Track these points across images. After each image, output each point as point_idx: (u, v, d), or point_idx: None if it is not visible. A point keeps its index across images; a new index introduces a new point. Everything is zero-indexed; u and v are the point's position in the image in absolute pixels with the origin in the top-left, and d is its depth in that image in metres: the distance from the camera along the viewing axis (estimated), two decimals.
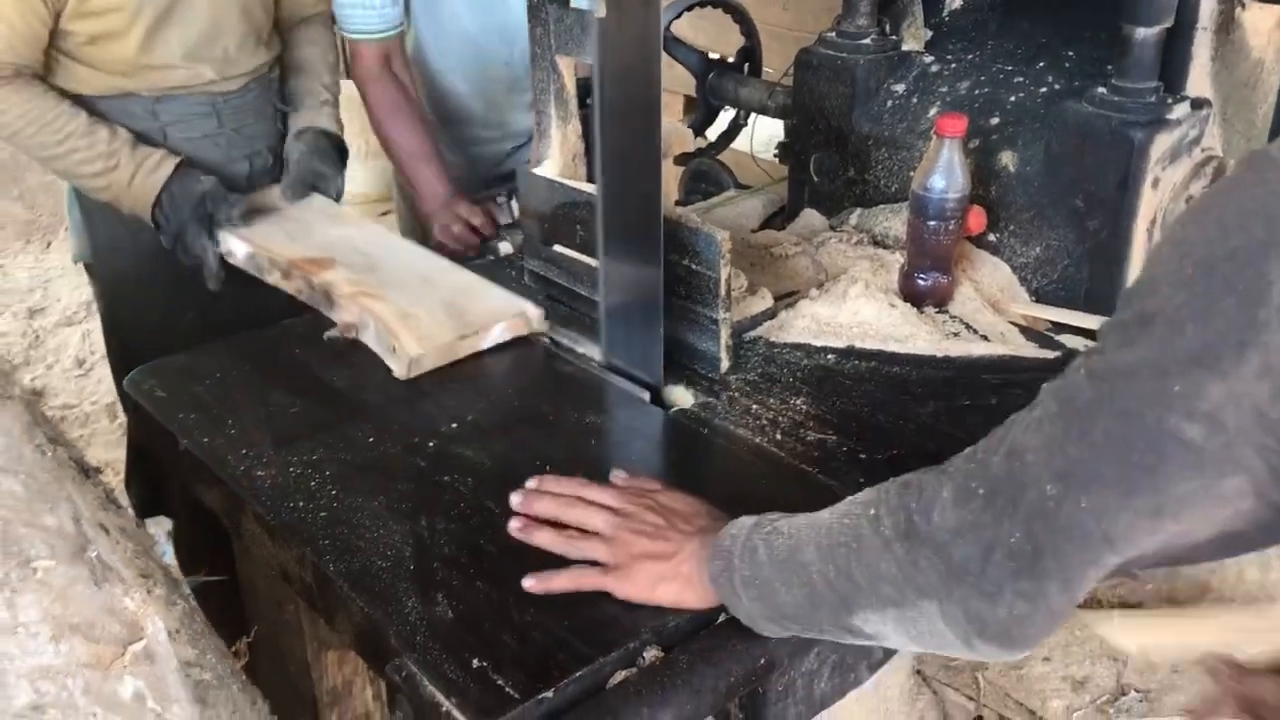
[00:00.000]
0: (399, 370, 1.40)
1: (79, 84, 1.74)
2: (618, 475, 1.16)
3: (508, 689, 0.92)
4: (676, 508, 1.09)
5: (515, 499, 1.12)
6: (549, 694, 0.92)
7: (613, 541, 1.05)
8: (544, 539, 1.08)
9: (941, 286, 1.53)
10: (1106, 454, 0.74)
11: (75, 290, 4.11)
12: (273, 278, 1.64)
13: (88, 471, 1.24)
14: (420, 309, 1.49)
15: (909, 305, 1.51)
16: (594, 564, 1.05)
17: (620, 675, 0.96)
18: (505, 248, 1.80)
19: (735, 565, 0.97)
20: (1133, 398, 0.73)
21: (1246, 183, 0.70)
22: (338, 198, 1.88)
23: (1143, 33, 1.43)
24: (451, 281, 1.59)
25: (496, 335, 1.48)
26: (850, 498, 0.94)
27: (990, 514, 0.80)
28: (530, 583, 1.03)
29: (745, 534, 0.98)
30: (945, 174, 1.46)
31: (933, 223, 1.48)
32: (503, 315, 1.49)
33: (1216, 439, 0.69)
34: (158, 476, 1.50)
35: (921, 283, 1.53)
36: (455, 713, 0.91)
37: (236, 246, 1.70)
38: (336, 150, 1.92)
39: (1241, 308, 0.67)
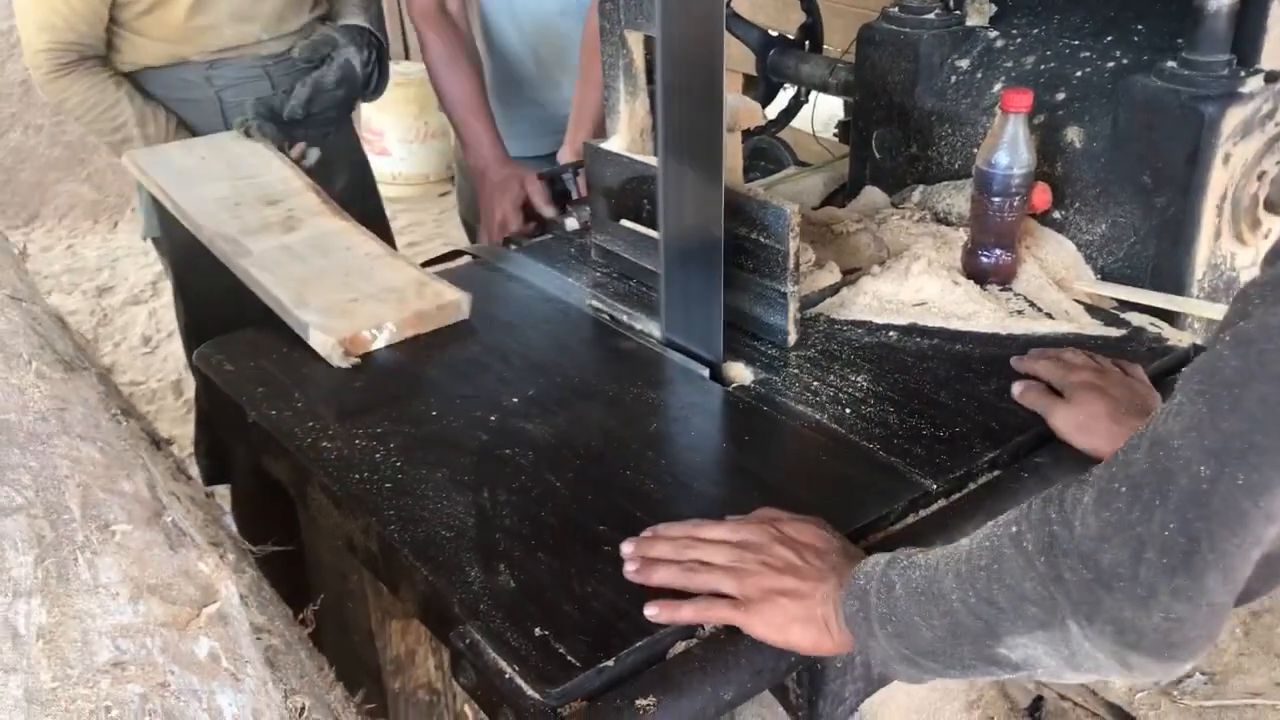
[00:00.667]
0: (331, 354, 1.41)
1: (138, 55, 1.78)
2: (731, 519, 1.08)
3: (569, 657, 0.93)
4: (804, 540, 1.02)
5: (627, 548, 1.05)
6: (609, 663, 0.93)
7: (739, 574, 0.99)
8: (664, 575, 1.01)
9: (1005, 264, 1.51)
10: (1264, 422, 0.70)
11: (142, 270, 4.20)
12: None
13: (159, 443, 1.27)
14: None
15: (972, 283, 1.49)
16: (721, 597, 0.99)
17: (681, 646, 0.97)
18: (571, 224, 1.81)
19: (872, 603, 0.91)
20: None
21: None
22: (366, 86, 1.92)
23: (1215, 3, 1.40)
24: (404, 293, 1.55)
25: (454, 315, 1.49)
26: (992, 521, 0.88)
27: (1138, 510, 0.75)
28: (653, 611, 0.98)
29: (881, 570, 0.92)
30: (1010, 150, 1.44)
31: (997, 199, 1.46)
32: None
33: None
34: (223, 447, 1.53)
35: (985, 260, 1.51)
36: (518, 680, 0.92)
37: None
38: (372, 42, 1.95)
39: None
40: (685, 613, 0.98)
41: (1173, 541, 0.73)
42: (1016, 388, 1.28)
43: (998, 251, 1.51)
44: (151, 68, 1.80)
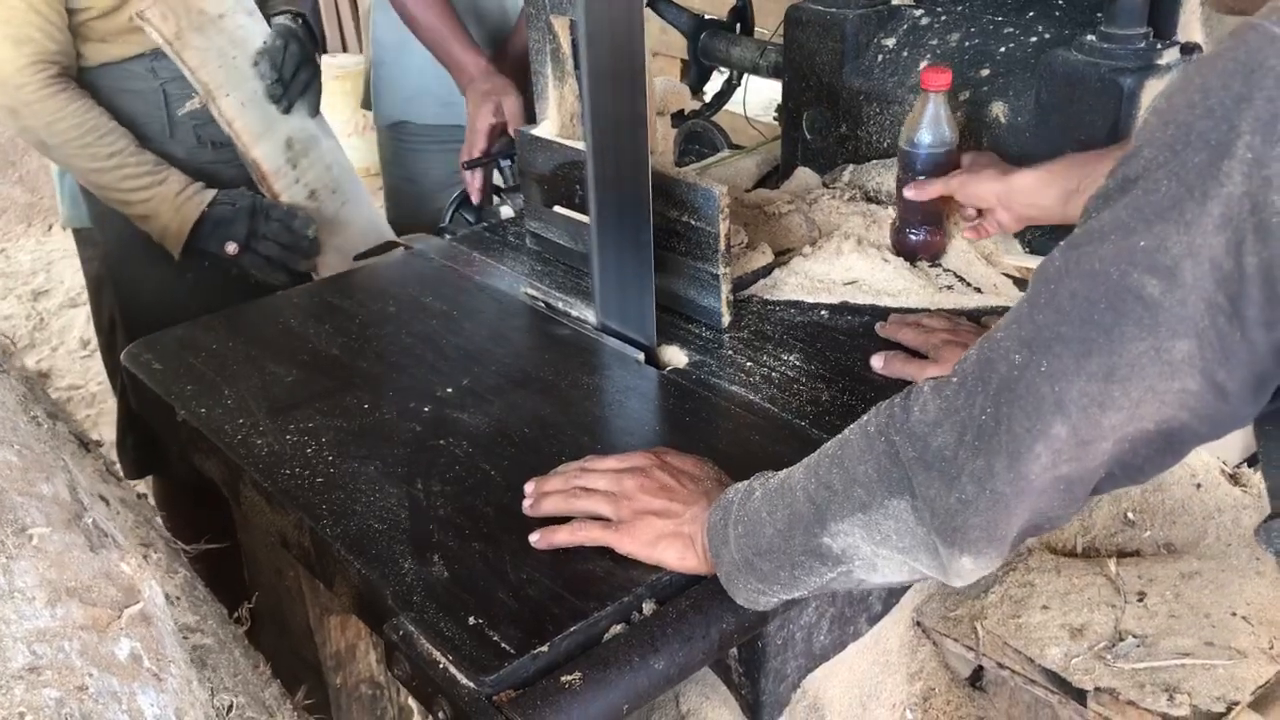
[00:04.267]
0: None
1: (92, 57, 1.76)
2: None
3: (503, 644, 0.93)
4: (684, 468, 1.08)
5: (528, 487, 1.10)
6: (544, 648, 0.93)
7: (617, 498, 1.04)
8: (550, 504, 1.07)
9: (934, 241, 1.53)
10: (1069, 314, 0.74)
11: (78, 273, 4.11)
12: None
13: (88, 445, 1.25)
14: None
15: (901, 260, 1.51)
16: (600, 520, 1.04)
17: (616, 629, 0.97)
18: (506, 211, 1.80)
19: (732, 511, 0.96)
20: (1099, 258, 0.73)
21: (1228, 48, 0.70)
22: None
23: None
24: None
25: None
26: None
27: (964, 395, 0.80)
28: (535, 537, 1.04)
29: (747, 484, 0.99)
30: (931, 128, 1.45)
31: (921, 178, 1.48)
32: None
33: (1173, 294, 0.70)
34: (148, 441, 1.52)
35: (914, 238, 1.52)
36: (452, 669, 0.92)
37: None
38: (308, 26, 1.98)
39: (1210, 161, 0.68)
40: (561, 535, 1.04)
41: (986, 425, 0.78)
42: (877, 360, 1.31)
43: (925, 229, 1.52)
44: (94, 65, 1.78)
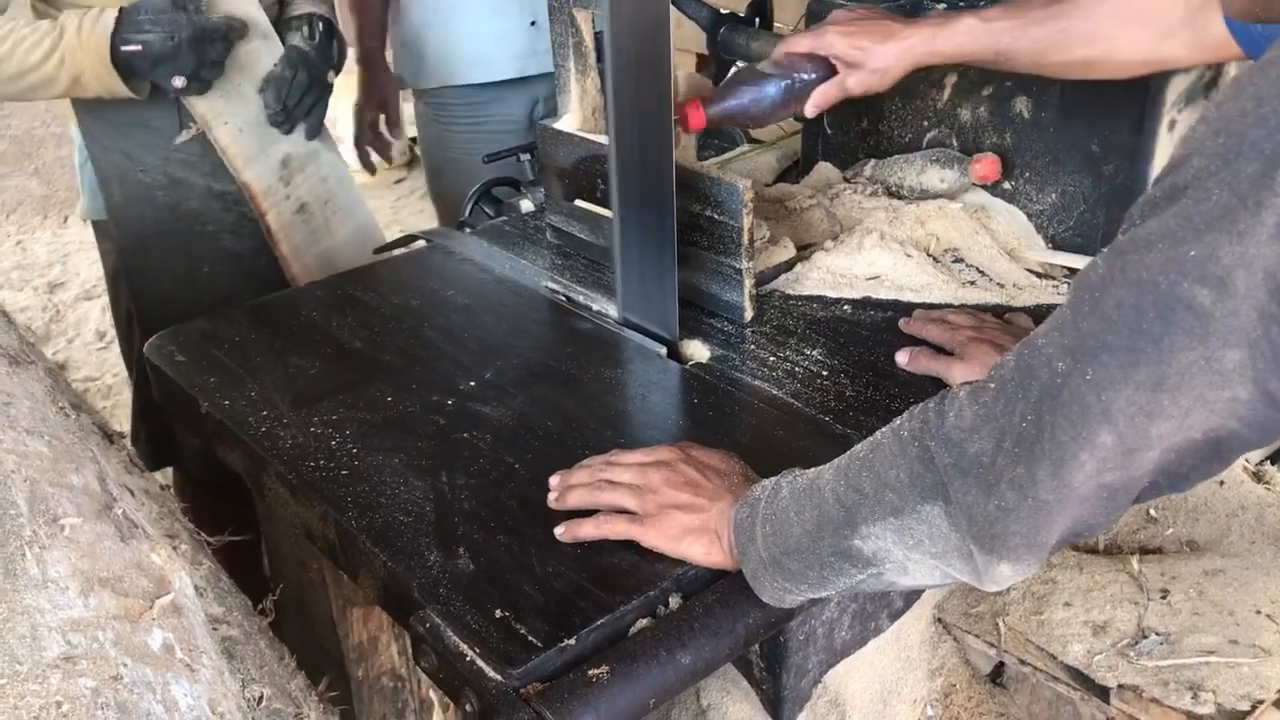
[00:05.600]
0: None
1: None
2: None
3: (530, 637, 0.93)
4: (711, 463, 1.07)
5: (553, 480, 1.11)
6: (570, 641, 0.93)
7: (642, 491, 1.04)
8: (576, 497, 1.08)
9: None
10: (1116, 322, 0.73)
11: (94, 264, 4.14)
12: None
13: (111, 437, 1.26)
14: None
15: (924, 254, 1.50)
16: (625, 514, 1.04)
17: (642, 623, 0.97)
18: (526, 205, 1.80)
19: (760, 508, 0.96)
20: (1147, 266, 0.72)
21: (1279, 58, 0.70)
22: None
23: None
24: None
25: None
26: None
27: (1003, 402, 0.79)
28: (560, 530, 1.04)
29: (774, 481, 0.98)
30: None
31: None
32: None
33: (1225, 304, 0.69)
34: (165, 432, 1.52)
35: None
36: (479, 661, 0.92)
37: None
38: (327, 37, 1.91)
39: (1264, 170, 0.67)
40: (586, 528, 1.03)
41: (1026, 432, 0.78)
42: (902, 356, 1.30)
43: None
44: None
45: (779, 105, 1.43)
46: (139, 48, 1.65)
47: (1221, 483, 1.38)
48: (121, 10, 1.65)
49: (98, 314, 3.83)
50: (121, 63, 1.66)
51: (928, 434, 0.84)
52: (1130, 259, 0.73)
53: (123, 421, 3.11)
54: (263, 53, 1.85)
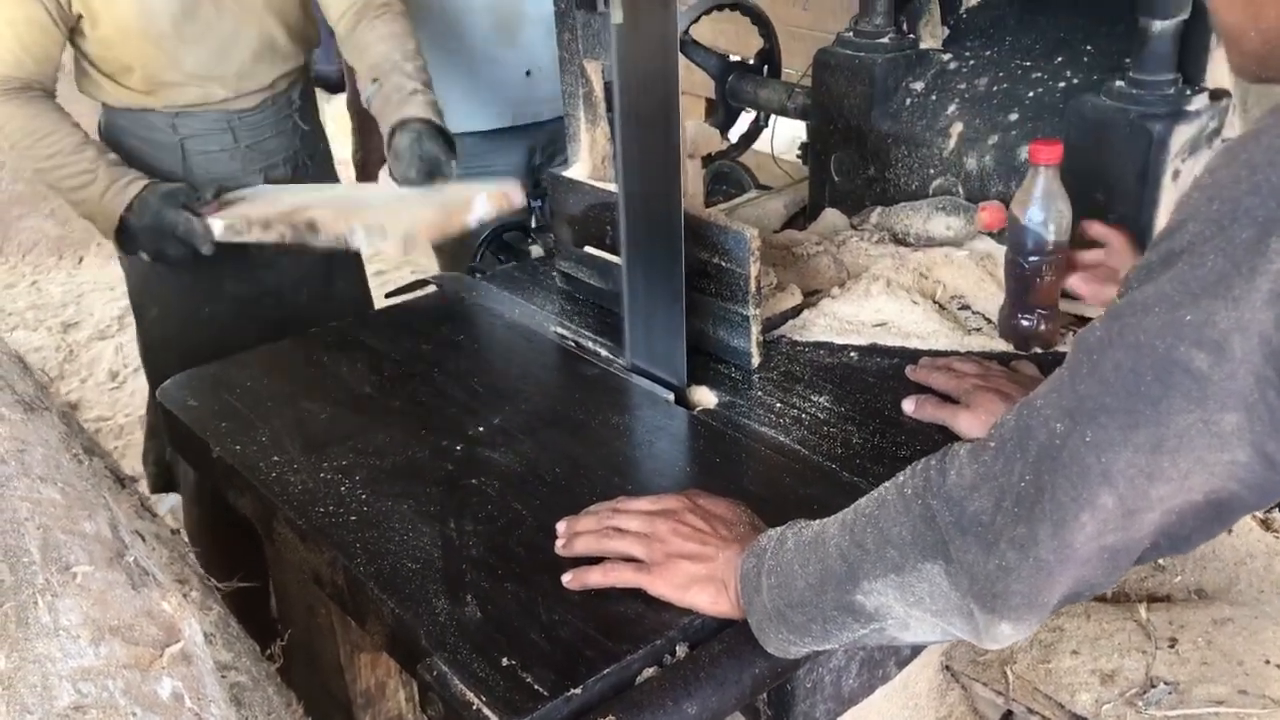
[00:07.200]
0: (394, 247, 1.49)
1: (105, 95, 1.78)
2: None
3: (536, 686, 0.93)
4: (718, 512, 1.08)
5: (560, 526, 1.11)
6: (577, 690, 0.93)
7: (649, 540, 1.05)
8: (582, 544, 1.08)
9: (1047, 331, 1.42)
10: (1114, 385, 0.74)
11: (108, 304, 4.17)
12: (253, 234, 1.67)
13: (123, 481, 1.27)
14: (402, 208, 1.59)
15: (930, 301, 1.51)
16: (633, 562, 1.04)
17: (649, 672, 0.97)
18: (536, 251, 1.82)
19: (765, 558, 0.96)
20: (1144, 330, 0.73)
21: (1273, 124, 0.71)
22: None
23: (1160, 25, 1.43)
24: (429, 198, 1.66)
25: (480, 208, 1.58)
26: None
27: (1001, 461, 0.80)
28: (567, 578, 1.04)
29: (780, 531, 0.99)
30: (1043, 205, 1.34)
31: (1033, 259, 1.37)
32: (483, 189, 1.61)
33: (1222, 368, 0.70)
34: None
35: (1025, 324, 1.42)
36: (485, 710, 0.92)
37: (214, 224, 1.70)
38: (441, 136, 1.80)
39: (1258, 237, 0.68)
40: (594, 576, 1.04)
41: (1025, 492, 0.78)
42: (909, 404, 1.31)
43: (1040, 314, 1.41)
44: (119, 108, 1.81)
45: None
46: (135, 236, 1.73)
47: (1229, 530, 1.38)
48: (135, 199, 1.70)
49: (111, 354, 3.85)
50: (124, 240, 1.74)
51: (929, 491, 0.85)
52: (1128, 322, 0.74)
53: (135, 462, 3.12)
54: None
